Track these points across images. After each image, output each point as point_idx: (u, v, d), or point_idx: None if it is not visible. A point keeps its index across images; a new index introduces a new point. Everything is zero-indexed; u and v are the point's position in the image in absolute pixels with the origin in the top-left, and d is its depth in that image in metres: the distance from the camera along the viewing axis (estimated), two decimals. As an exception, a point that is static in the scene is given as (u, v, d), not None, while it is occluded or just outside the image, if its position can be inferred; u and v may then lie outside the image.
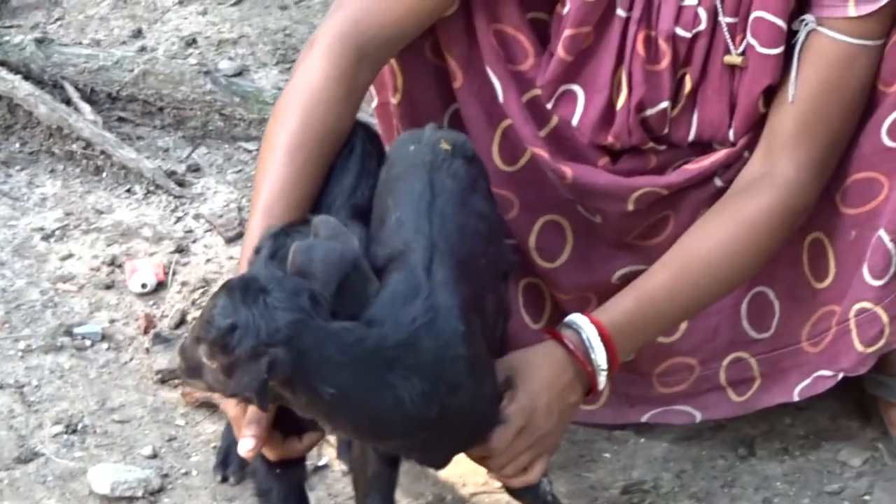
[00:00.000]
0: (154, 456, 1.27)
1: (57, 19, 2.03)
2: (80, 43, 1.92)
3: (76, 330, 1.43)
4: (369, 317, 0.92)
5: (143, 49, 1.93)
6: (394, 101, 1.28)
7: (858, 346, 1.24)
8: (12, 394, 1.35)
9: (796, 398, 1.31)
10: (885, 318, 1.21)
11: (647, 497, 1.27)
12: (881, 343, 1.22)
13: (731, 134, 1.22)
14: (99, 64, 1.80)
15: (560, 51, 1.21)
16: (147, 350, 1.41)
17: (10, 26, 1.98)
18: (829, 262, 1.29)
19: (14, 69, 1.78)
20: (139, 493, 1.22)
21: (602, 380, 1.12)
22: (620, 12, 1.19)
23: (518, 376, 1.10)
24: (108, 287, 1.50)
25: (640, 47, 1.20)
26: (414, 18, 1.20)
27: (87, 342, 1.42)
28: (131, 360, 1.41)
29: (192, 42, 1.95)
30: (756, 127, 1.23)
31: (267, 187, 1.11)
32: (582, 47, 1.21)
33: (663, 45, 1.19)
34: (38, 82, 1.78)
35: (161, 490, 1.23)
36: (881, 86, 1.18)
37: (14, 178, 1.71)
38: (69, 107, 1.73)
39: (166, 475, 1.25)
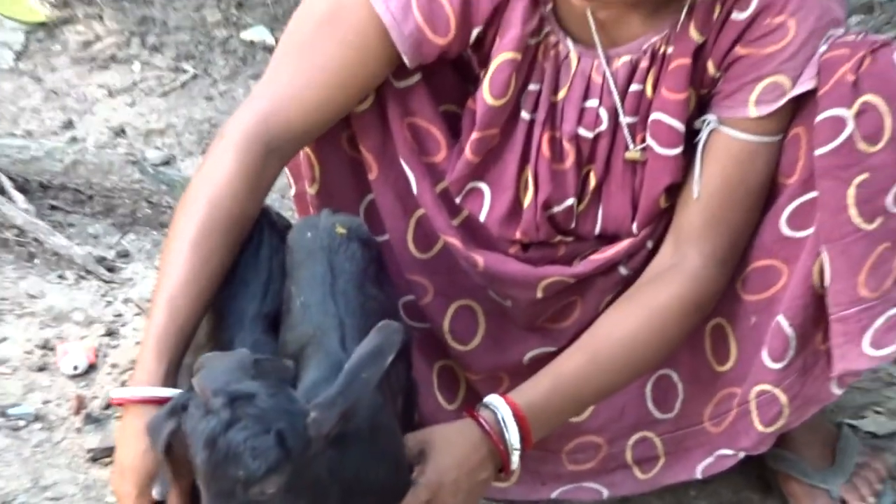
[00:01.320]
0: (86, 531, 1.31)
1: (-11, 111, 2.05)
2: (13, 134, 1.97)
3: (10, 411, 1.48)
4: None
5: (73, 139, 1.99)
6: (311, 191, 1.29)
7: (759, 427, 1.25)
8: (-52, 472, 1.36)
9: (699, 476, 1.32)
10: (783, 399, 1.22)
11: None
12: (780, 423, 1.23)
13: (634, 227, 1.25)
14: (31, 154, 1.86)
15: (467, 152, 1.23)
16: (78, 430, 1.46)
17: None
18: (730, 347, 1.29)
19: (-53, 160, 1.81)
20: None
21: (515, 459, 1.13)
22: (525, 115, 1.21)
23: (431, 450, 1.09)
24: (41, 369, 1.55)
25: (545, 148, 1.22)
26: (322, 115, 1.20)
27: (21, 423, 1.46)
28: (63, 439, 1.45)
29: (120, 132, 2.02)
30: (658, 219, 1.25)
31: (171, 279, 1.10)
32: (488, 148, 1.23)
33: (567, 146, 1.21)
34: (-28, 173, 1.81)
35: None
36: (781, 178, 1.20)
37: (-52, 264, 1.71)
38: (3, 196, 1.77)
39: (97, 551, 1.29)
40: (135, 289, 1.71)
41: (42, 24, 2.27)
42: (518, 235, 1.27)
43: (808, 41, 1.12)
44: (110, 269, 1.73)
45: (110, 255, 1.77)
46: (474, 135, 1.21)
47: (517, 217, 1.26)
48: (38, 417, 1.48)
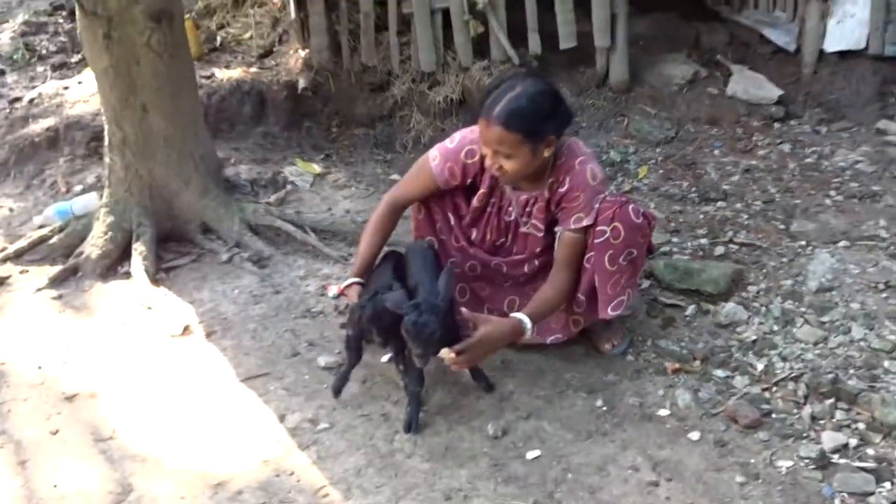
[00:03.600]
0: None
1: None
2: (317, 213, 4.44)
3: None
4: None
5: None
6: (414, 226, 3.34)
7: (571, 328, 3.15)
8: None
9: (547, 342, 3.22)
10: (581, 321, 3.15)
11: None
12: (579, 328, 3.21)
13: (530, 258, 3.10)
14: (328, 221, 4.32)
15: (467, 220, 3.13)
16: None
17: None
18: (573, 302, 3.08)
19: None
20: None
21: (527, 336, 2.86)
22: (489, 209, 3.05)
23: (483, 324, 2.73)
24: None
25: (493, 222, 3.09)
26: (419, 195, 3.15)
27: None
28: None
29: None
30: (540, 254, 3.13)
31: (364, 245, 3.08)
32: (475, 219, 3.15)
33: (504, 221, 3.08)
34: None
35: None
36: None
37: None
38: (307, 234, 4.22)
39: None
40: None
41: (318, 175, 4.82)
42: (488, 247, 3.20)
43: (590, 202, 2.86)
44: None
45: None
46: (467, 218, 3.16)
47: (486, 242, 3.19)
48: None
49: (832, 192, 4.35)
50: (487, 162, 2.88)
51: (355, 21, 5.10)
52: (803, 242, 3.91)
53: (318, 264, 4.01)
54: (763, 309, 3.47)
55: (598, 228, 2.96)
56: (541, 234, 3.07)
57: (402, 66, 5.09)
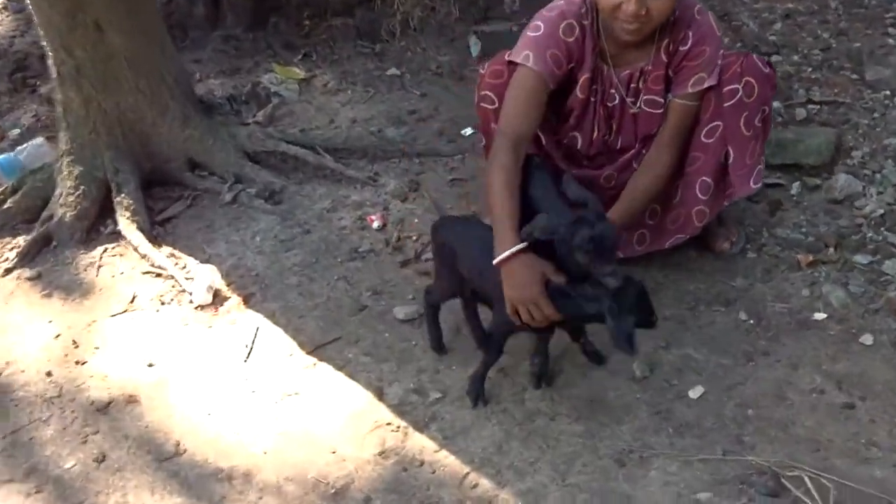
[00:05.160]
0: None
1: None
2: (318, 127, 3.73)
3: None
4: None
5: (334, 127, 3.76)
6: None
7: (696, 223, 2.61)
8: None
9: (667, 247, 2.68)
10: (707, 210, 2.58)
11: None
12: (705, 221, 2.61)
13: (636, 145, 2.59)
14: (328, 135, 3.62)
15: (571, 120, 2.58)
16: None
17: None
18: (678, 193, 2.60)
19: None
20: None
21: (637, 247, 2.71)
22: (591, 99, 2.53)
23: None
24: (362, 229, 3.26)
25: (600, 113, 2.55)
26: (536, 115, 2.42)
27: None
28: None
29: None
30: (647, 143, 2.53)
31: (507, 217, 2.19)
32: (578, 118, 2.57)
33: (607, 108, 2.54)
34: None
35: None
36: (701, 115, 2.47)
37: None
38: (318, 154, 3.53)
39: None
40: (394, 193, 3.40)
41: (303, 80, 4.07)
42: (592, 151, 2.65)
43: (714, 57, 2.39)
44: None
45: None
46: (571, 119, 2.58)
47: (593, 146, 2.64)
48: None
49: (891, 30, 3.90)
50: (630, 6, 2.26)
51: None
52: (888, 92, 3.48)
53: (343, 190, 3.37)
54: (877, 176, 3.07)
55: (727, 89, 2.44)
56: (659, 111, 2.54)
57: (376, -65, 4.27)
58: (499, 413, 2.41)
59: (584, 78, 2.50)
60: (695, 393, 2.40)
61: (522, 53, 2.43)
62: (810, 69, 3.71)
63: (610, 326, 2.04)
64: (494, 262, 2.20)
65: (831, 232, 2.88)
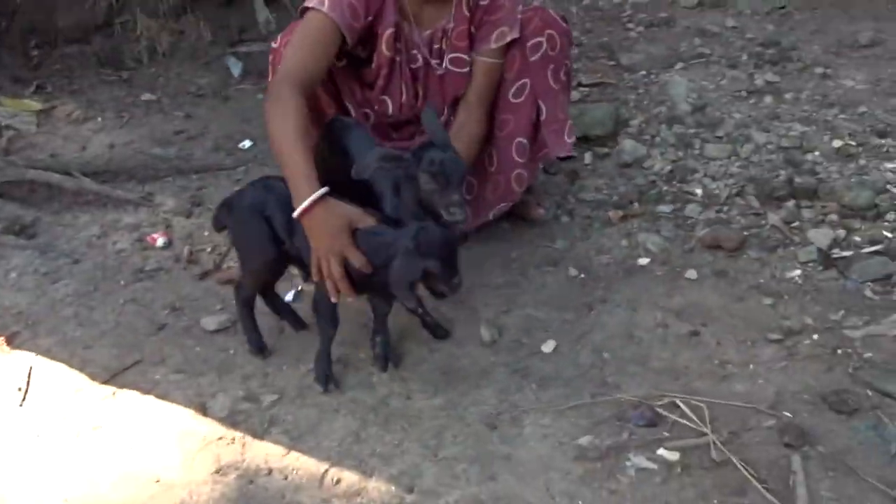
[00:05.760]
0: None
1: None
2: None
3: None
4: None
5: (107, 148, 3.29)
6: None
7: (515, 188, 2.50)
8: None
9: (490, 217, 2.57)
10: (525, 174, 2.49)
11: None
12: (524, 185, 2.52)
13: (445, 110, 2.43)
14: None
15: (380, 81, 2.37)
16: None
17: None
18: (493, 159, 2.50)
19: None
20: None
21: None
22: (396, 58, 2.34)
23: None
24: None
25: (407, 74, 2.36)
26: (325, 62, 2.19)
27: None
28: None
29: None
30: (455, 106, 2.39)
31: (303, 163, 1.94)
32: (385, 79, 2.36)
33: (411, 70, 2.37)
34: None
35: None
36: (504, 75, 2.39)
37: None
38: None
39: None
40: (174, 212, 3.02)
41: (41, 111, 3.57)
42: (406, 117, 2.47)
43: (513, 10, 2.33)
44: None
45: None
46: (379, 81, 2.38)
47: (403, 110, 2.42)
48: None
49: (630, 25, 4.21)
50: None
51: None
52: (643, 72, 3.71)
53: (112, 214, 2.95)
54: (657, 139, 3.22)
55: (531, 42, 2.39)
56: (465, 70, 2.42)
57: (109, -42, 3.92)
58: (348, 403, 2.13)
59: (387, 33, 2.34)
60: (547, 347, 2.28)
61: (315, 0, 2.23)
62: (570, 61, 3.86)
63: (394, 267, 1.86)
64: (294, 214, 1.96)
65: (631, 190, 2.94)
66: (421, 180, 2.00)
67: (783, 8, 4.24)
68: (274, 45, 2.42)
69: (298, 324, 2.34)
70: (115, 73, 3.85)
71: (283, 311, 2.35)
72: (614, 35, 4.09)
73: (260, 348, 2.28)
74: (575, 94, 3.51)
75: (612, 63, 3.80)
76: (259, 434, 2.05)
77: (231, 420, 2.09)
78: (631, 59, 3.80)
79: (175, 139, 3.38)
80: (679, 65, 3.71)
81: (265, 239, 2.08)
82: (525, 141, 2.50)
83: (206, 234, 2.83)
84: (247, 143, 3.29)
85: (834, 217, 2.69)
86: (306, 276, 2.24)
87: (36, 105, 3.55)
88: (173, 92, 3.75)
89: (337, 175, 2.07)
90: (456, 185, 1.98)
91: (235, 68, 3.87)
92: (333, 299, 2.03)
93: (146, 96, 3.72)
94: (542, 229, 2.78)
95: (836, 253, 2.54)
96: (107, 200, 2.99)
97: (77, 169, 3.05)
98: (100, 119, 3.53)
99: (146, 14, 3.94)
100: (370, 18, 2.31)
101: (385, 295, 2.07)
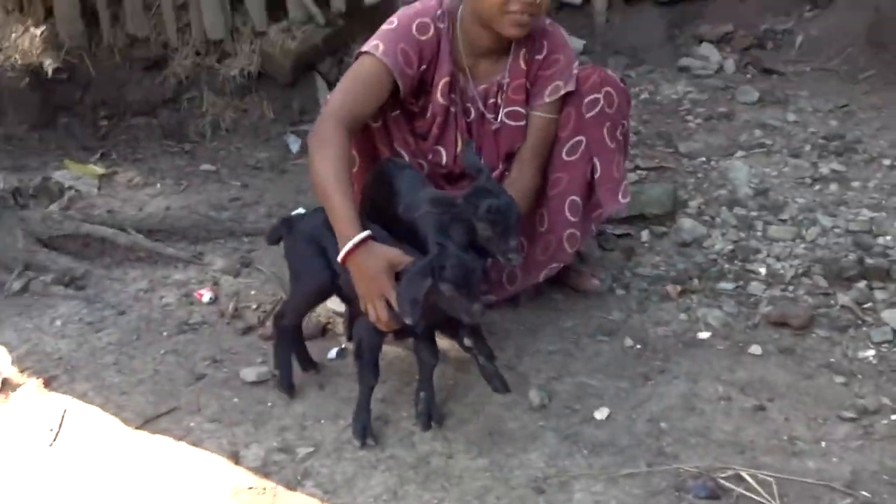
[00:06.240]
0: None
1: None
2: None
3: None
4: None
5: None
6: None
7: (568, 249, 2.41)
8: None
9: (541, 279, 2.46)
10: (577, 233, 2.40)
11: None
12: (577, 246, 2.44)
13: (499, 164, 2.40)
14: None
15: (434, 130, 2.34)
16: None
17: None
18: (545, 219, 2.42)
19: None
20: None
21: (511, 286, 2.47)
22: (451, 108, 2.32)
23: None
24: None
25: (462, 124, 2.32)
26: (373, 105, 2.19)
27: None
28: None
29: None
30: (509, 161, 2.34)
31: (344, 203, 1.95)
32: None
33: (465, 123, 2.33)
34: None
35: None
36: (559, 133, 2.36)
37: None
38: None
39: None
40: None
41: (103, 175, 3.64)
42: (457, 170, 2.40)
43: (568, 65, 2.31)
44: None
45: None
46: (433, 130, 2.35)
47: (458, 162, 2.35)
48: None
49: (688, 118, 4.18)
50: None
51: (114, -19, 3.98)
52: (703, 158, 3.65)
53: (161, 271, 2.93)
54: (717, 220, 3.11)
55: (588, 99, 2.36)
56: (521, 123, 2.39)
57: (182, 37, 4.06)
58: (386, 460, 2.01)
59: (443, 82, 2.33)
60: (601, 414, 2.15)
61: (372, 44, 2.24)
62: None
63: (399, 284, 1.84)
64: (338, 258, 1.95)
65: (691, 267, 2.83)
66: (479, 227, 1.95)
67: (846, 106, 4.18)
68: (328, 96, 2.43)
69: (309, 363, 2.29)
70: (177, 145, 3.92)
71: (295, 342, 2.28)
72: (673, 126, 4.06)
73: (289, 385, 2.22)
74: (632, 176, 3.46)
75: (671, 150, 3.75)
76: (292, 485, 1.94)
77: (264, 470, 1.99)
78: (689, 147, 3.76)
79: (230, 205, 3.39)
80: (739, 153, 3.65)
81: (320, 267, 2.08)
82: (578, 200, 2.43)
83: (252, 292, 2.78)
84: (301, 211, 3.27)
85: (909, 298, 2.54)
86: (350, 336, 2.20)
87: (99, 170, 3.62)
88: (232, 164, 3.80)
89: (385, 215, 2.03)
90: (513, 231, 1.92)
91: (294, 145, 3.93)
92: (384, 327, 1.97)
93: (205, 167, 3.77)
94: (597, 301, 2.67)
95: (912, 333, 2.38)
96: (158, 257, 2.98)
97: (132, 226, 3.06)
98: (159, 185, 3.57)
99: (213, 91, 4.05)
100: (424, 67, 2.30)
101: (430, 333, 2.01)
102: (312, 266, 2.10)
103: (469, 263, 1.84)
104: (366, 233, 1.95)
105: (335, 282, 2.08)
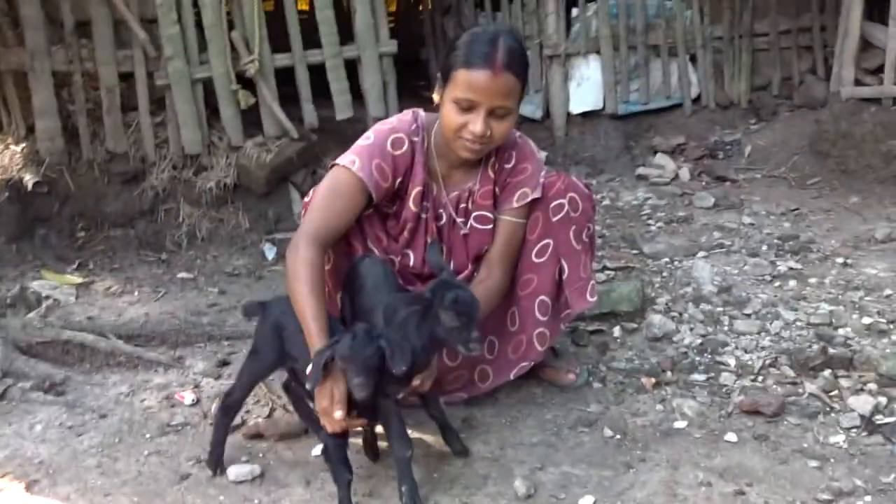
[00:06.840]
0: None
1: None
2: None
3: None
4: None
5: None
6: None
7: (538, 347, 2.50)
8: None
9: (511, 378, 2.54)
10: (547, 332, 2.51)
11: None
12: (547, 344, 2.53)
13: (469, 265, 2.49)
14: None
15: (405, 234, 2.45)
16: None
17: None
18: (516, 319, 2.52)
19: None
20: None
21: (483, 384, 2.58)
22: (422, 215, 2.44)
23: None
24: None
25: (432, 230, 2.44)
26: (347, 220, 2.31)
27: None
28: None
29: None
30: (478, 263, 2.45)
31: (316, 317, 2.06)
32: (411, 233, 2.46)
33: (436, 227, 2.45)
34: None
35: None
36: (527, 236, 2.46)
37: None
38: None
39: None
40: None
41: (80, 285, 3.68)
42: (425, 270, 2.46)
43: (536, 173, 2.43)
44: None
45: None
46: (404, 234, 2.48)
47: (425, 263, 2.44)
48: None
49: (650, 222, 4.38)
50: (477, 127, 2.26)
51: (94, 99, 4.11)
52: (667, 259, 3.81)
53: (142, 375, 2.94)
54: (685, 315, 3.24)
55: (554, 204, 2.48)
56: (489, 227, 2.51)
57: (159, 151, 4.19)
58: (377, 554, 2.01)
59: (416, 191, 2.45)
60: (586, 502, 2.18)
61: (349, 158, 2.37)
62: (594, 250, 3.98)
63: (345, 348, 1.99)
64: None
65: (663, 360, 2.93)
66: (443, 318, 2.03)
67: (797, 209, 4.41)
68: (306, 199, 2.52)
69: (314, 425, 2.35)
70: (154, 255, 3.98)
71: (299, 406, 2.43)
72: (636, 229, 4.24)
73: (217, 461, 2.32)
74: (601, 276, 3.59)
75: (636, 252, 3.91)
76: (283, 582, 1.92)
77: (255, 567, 1.97)
78: (653, 248, 3.92)
79: (208, 310, 3.44)
80: (701, 253, 3.82)
81: (277, 350, 2.23)
82: (548, 300, 2.53)
83: (235, 394, 2.79)
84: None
85: (873, 385, 2.65)
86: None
87: (76, 279, 3.66)
88: (209, 272, 3.87)
89: (362, 312, 2.17)
90: (475, 323, 2.05)
91: (270, 252, 4.01)
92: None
93: (183, 274, 3.83)
94: (575, 394, 2.74)
95: (880, 419, 2.48)
96: (138, 362, 2.99)
97: (111, 332, 3.08)
98: (136, 293, 3.61)
99: (189, 203, 4.15)
100: (399, 179, 2.43)
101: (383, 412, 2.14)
102: (270, 347, 2.23)
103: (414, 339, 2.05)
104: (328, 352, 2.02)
105: (285, 365, 2.25)
